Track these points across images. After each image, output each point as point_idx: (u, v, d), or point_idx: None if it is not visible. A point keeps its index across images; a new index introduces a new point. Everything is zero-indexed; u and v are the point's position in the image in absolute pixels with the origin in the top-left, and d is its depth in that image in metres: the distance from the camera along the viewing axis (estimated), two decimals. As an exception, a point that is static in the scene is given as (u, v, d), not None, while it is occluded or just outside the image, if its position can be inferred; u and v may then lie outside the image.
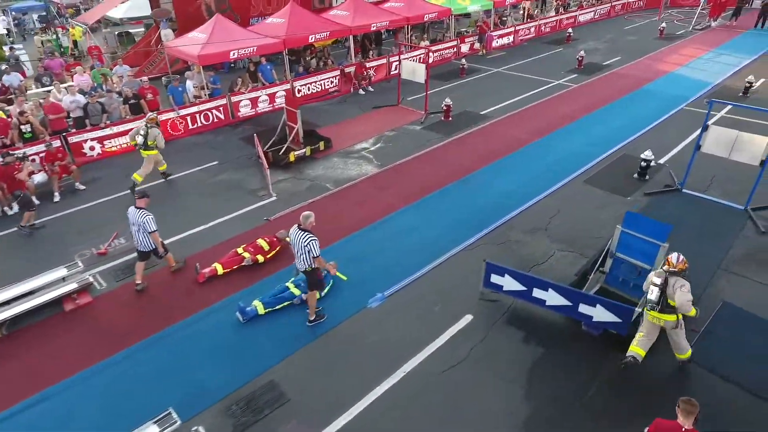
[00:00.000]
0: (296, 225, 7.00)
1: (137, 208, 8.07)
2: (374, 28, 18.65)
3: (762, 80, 18.00)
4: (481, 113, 15.64)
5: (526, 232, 9.56)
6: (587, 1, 31.11)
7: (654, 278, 6.12)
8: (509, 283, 7.58)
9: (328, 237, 9.25)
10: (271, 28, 16.59)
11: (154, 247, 8.26)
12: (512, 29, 24.45)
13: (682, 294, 5.89)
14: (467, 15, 26.14)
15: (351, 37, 18.30)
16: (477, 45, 22.73)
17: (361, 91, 17.76)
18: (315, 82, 17.07)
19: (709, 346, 6.87)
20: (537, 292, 7.35)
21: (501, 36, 23.89)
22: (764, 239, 9.10)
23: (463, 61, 19.55)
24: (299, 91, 16.69)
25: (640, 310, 6.53)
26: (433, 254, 8.96)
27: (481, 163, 12.31)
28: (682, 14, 30.11)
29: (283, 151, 12.62)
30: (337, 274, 7.84)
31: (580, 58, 20.20)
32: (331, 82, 17.59)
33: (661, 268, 6.23)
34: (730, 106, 14.92)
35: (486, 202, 10.60)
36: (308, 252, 6.85)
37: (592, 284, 7.86)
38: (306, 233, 6.85)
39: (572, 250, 8.94)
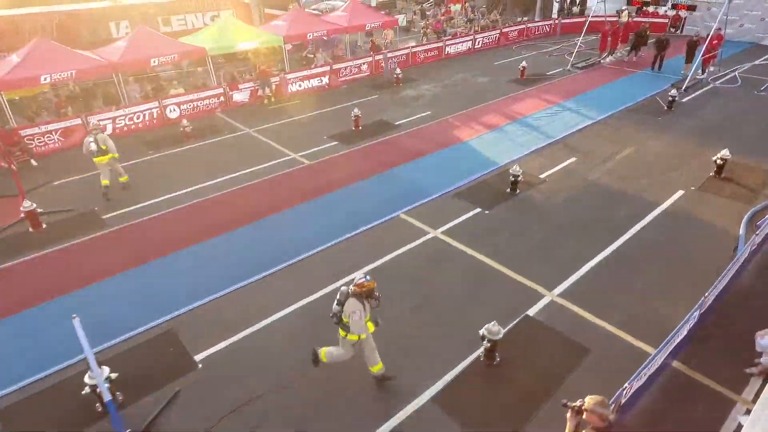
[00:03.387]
0: None
1: None
2: (46, 81, 13.96)
3: (570, 160, 12.71)
4: (104, 218, 10.83)
5: None
6: (465, 28, 25.94)
7: (337, 295, 6.24)
8: None
9: None
10: None
11: None
12: (327, 69, 19.54)
13: (352, 322, 6.10)
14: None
15: None
16: (261, 92, 17.89)
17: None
18: (-70, 157, 12.53)
19: None
20: None
21: (307, 78, 19.02)
22: None
23: (185, 122, 14.70)
24: None
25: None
26: None
27: None
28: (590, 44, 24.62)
29: None
30: None
31: (355, 118, 15.21)
32: (-31, 155, 13.04)
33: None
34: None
35: None
36: None
37: None
38: None
39: None
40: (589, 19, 22.30)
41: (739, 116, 15.40)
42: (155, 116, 15.70)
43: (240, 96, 17.55)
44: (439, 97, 18.27)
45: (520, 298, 8.04)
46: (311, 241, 9.64)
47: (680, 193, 11.06)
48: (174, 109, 16.10)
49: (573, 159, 12.85)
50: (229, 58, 20.95)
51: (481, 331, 6.63)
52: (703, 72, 19.60)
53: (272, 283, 8.62)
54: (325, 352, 6.54)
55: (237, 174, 12.55)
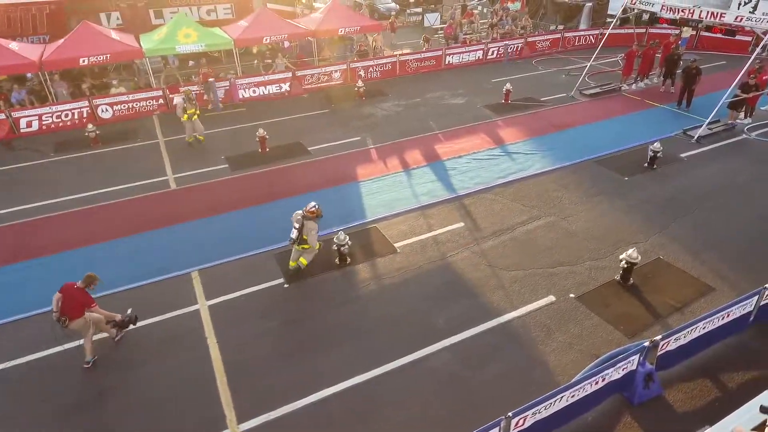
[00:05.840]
0: None
1: None
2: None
3: (452, 227, 10.15)
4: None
5: None
6: (477, 35, 22.71)
7: (294, 222, 8.48)
8: None
9: None
10: None
11: None
12: (289, 75, 18.12)
13: (310, 237, 8.39)
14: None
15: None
16: (207, 97, 17.00)
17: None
18: None
19: None
20: None
21: (263, 84, 17.77)
22: None
23: (90, 126, 14.21)
24: None
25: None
26: None
27: None
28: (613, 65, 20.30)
29: None
30: None
31: (260, 139, 13.72)
32: None
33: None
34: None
35: None
36: None
37: None
38: None
39: None
40: (609, 31, 18.12)
41: (738, 189, 11.29)
42: (85, 116, 15.61)
43: (180, 99, 16.83)
44: (388, 120, 16.05)
45: (199, 425, 6.27)
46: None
47: (548, 300, 8.18)
48: (106, 110, 15.90)
49: (458, 225, 10.25)
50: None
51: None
52: (748, 115, 15.05)
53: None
54: (304, 262, 8.73)
55: (86, 194, 11.78)
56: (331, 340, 7.52)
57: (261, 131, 13.69)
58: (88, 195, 11.81)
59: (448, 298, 8.31)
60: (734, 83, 13.90)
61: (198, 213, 10.92)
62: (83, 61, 15.36)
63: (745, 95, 14.20)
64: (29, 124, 15.07)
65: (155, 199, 11.60)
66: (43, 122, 15.19)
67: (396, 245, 9.67)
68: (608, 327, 7.61)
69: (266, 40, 17.83)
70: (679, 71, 16.69)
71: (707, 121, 14.02)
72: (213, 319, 7.98)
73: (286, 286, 8.69)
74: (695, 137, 13.82)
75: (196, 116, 13.98)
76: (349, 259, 9.22)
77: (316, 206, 8.48)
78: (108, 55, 15.68)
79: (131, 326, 7.53)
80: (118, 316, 7.41)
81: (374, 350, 7.29)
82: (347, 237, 9.00)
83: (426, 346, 7.33)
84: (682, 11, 14.95)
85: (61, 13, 19.82)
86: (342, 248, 8.97)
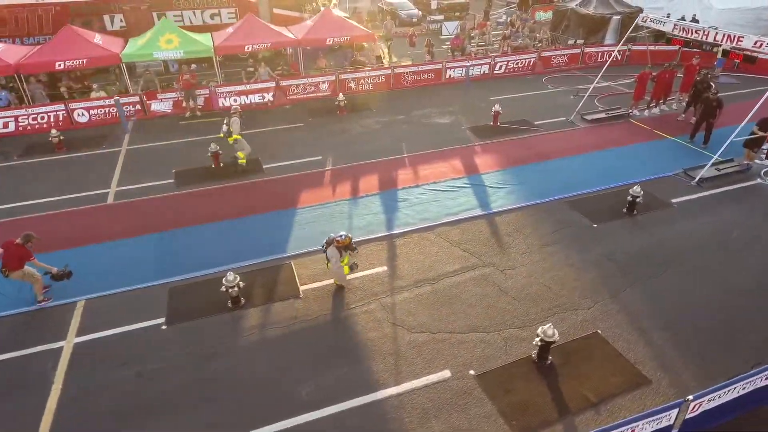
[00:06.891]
0: None
1: None
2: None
3: (374, 271, 9.09)
4: None
5: None
6: (488, 47, 21.12)
7: (327, 240, 8.33)
8: None
9: None
10: None
11: None
12: (272, 85, 17.48)
13: (332, 263, 8.26)
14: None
15: None
16: (186, 104, 16.66)
17: None
18: None
19: None
20: None
21: (245, 93, 17.24)
22: None
23: (54, 132, 14.11)
24: None
25: None
26: None
27: None
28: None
29: None
30: None
31: (213, 154, 13.08)
32: None
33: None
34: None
35: None
36: None
37: None
38: None
39: None
40: (617, 48, 16.22)
41: (725, 250, 9.44)
42: (61, 119, 15.65)
43: (160, 106, 16.62)
44: (361, 138, 15.03)
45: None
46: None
47: (442, 375, 6.95)
48: (83, 114, 15.88)
49: (379, 270, 9.14)
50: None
51: None
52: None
53: None
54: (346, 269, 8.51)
55: (18, 204, 11.51)
56: (180, 401, 6.68)
57: (213, 146, 13.08)
58: (18, 206, 11.53)
59: (330, 361, 7.27)
60: (747, 117, 11.90)
61: (116, 233, 10.39)
62: (59, 65, 15.41)
63: (763, 133, 12.17)
64: (6, 125, 15.26)
65: (82, 214, 11.22)
66: (20, 124, 15.35)
67: (302, 288, 8.71)
68: (498, 420, 6.32)
69: (248, 48, 17.29)
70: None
71: (712, 160, 12.09)
72: (71, 361, 7.36)
73: (163, 327, 7.96)
74: (696, 179, 11.96)
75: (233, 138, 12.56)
76: (243, 301, 8.37)
77: (344, 236, 8.23)
78: (85, 60, 15.65)
79: (65, 280, 8.46)
80: (55, 269, 8.39)
81: (218, 420, 6.39)
82: (237, 278, 8.13)
83: (278, 421, 6.35)
84: (696, 32, 13.05)
85: (66, 14, 20.17)
86: (230, 290, 8.13)
